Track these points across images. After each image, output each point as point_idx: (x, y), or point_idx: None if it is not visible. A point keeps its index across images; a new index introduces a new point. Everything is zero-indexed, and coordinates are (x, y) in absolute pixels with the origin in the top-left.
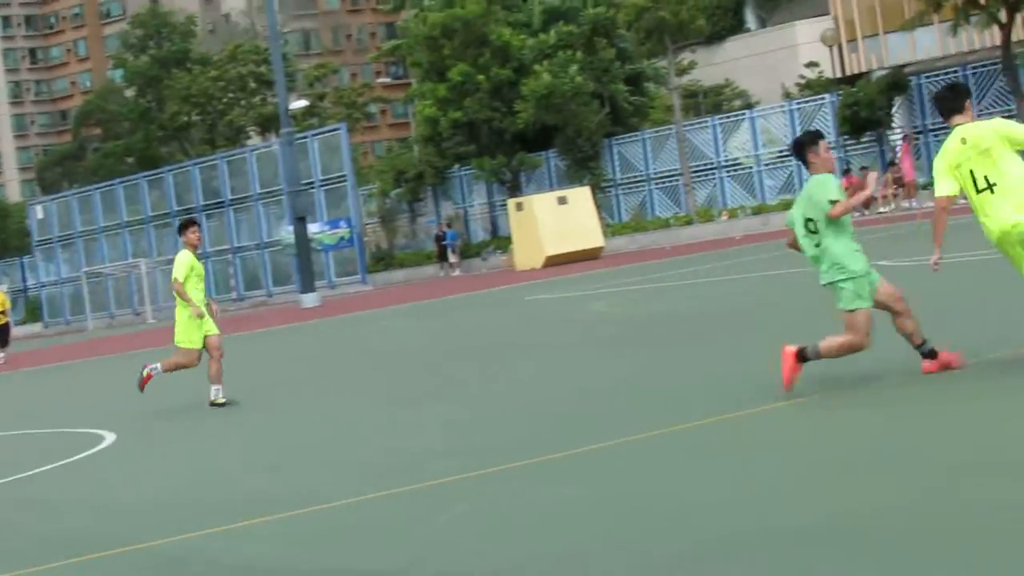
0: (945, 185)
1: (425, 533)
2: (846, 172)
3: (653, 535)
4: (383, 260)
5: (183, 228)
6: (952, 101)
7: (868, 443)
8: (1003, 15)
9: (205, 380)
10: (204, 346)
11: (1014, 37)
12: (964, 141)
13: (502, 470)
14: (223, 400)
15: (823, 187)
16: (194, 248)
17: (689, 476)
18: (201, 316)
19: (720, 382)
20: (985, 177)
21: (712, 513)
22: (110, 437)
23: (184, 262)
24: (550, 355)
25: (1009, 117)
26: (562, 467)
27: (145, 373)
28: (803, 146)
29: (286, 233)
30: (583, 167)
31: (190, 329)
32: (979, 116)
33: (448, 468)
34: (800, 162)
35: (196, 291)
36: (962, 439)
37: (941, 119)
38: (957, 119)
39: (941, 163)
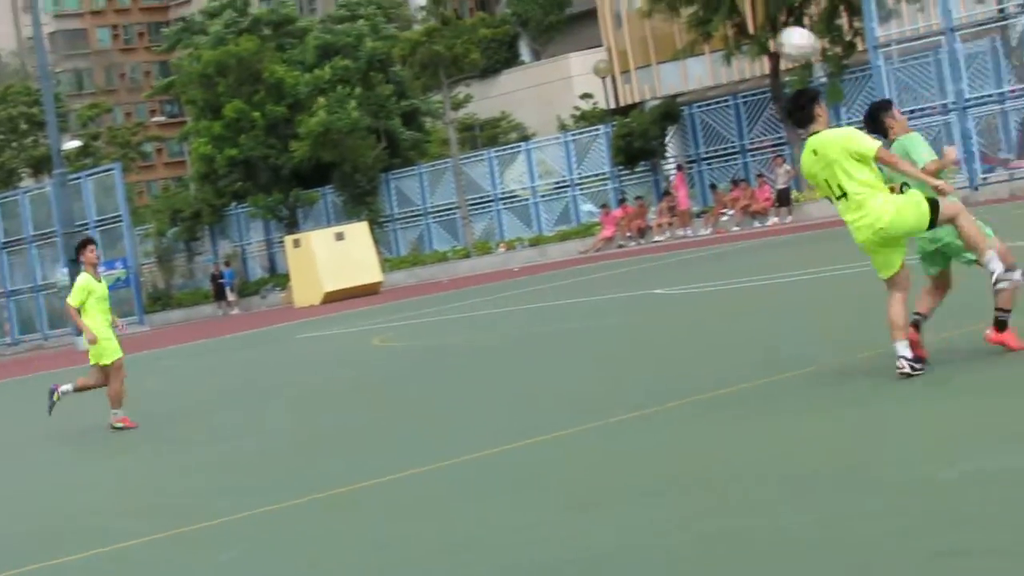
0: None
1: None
2: (621, 202)
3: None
4: (160, 300)
5: (78, 249)
6: (801, 112)
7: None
8: (771, 45)
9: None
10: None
11: (782, 65)
12: (815, 152)
13: (264, 512)
14: (120, 424)
15: (919, 145)
16: (93, 268)
17: (460, 512)
18: (94, 342)
19: (488, 416)
20: (839, 185)
21: (489, 547)
22: None
23: (80, 286)
24: (309, 394)
25: (779, 145)
26: (312, 510)
27: (58, 393)
28: (879, 111)
29: (61, 275)
30: (360, 202)
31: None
32: (751, 143)
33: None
34: (876, 132)
35: (100, 313)
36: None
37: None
38: (811, 127)
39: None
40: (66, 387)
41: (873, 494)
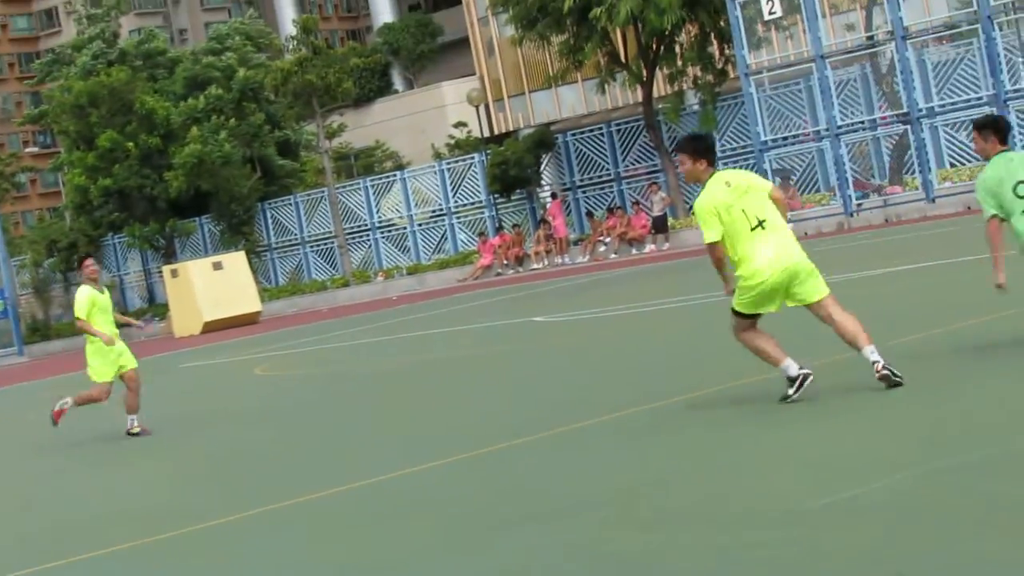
0: (713, 232)
1: None
2: (498, 230)
3: None
4: (39, 331)
5: (79, 265)
6: (706, 153)
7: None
8: (644, 73)
9: None
10: (120, 379)
11: (655, 93)
12: (728, 184)
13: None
14: (138, 429)
15: None
16: (93, 282)
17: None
18: (111, 343)
19: (375, 444)
20: (756, 216)
21: None
22: None
23: (83, 299)
24: (196, 423)
25: (654, 172)
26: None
27: (58, 407)
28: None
29: None
30: (237, 232)
31: (102, 364)
32: (626, 171)
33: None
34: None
35: (104, 324)
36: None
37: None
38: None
39: (707, 209)
40: (65, 400)
41: (752, 525)
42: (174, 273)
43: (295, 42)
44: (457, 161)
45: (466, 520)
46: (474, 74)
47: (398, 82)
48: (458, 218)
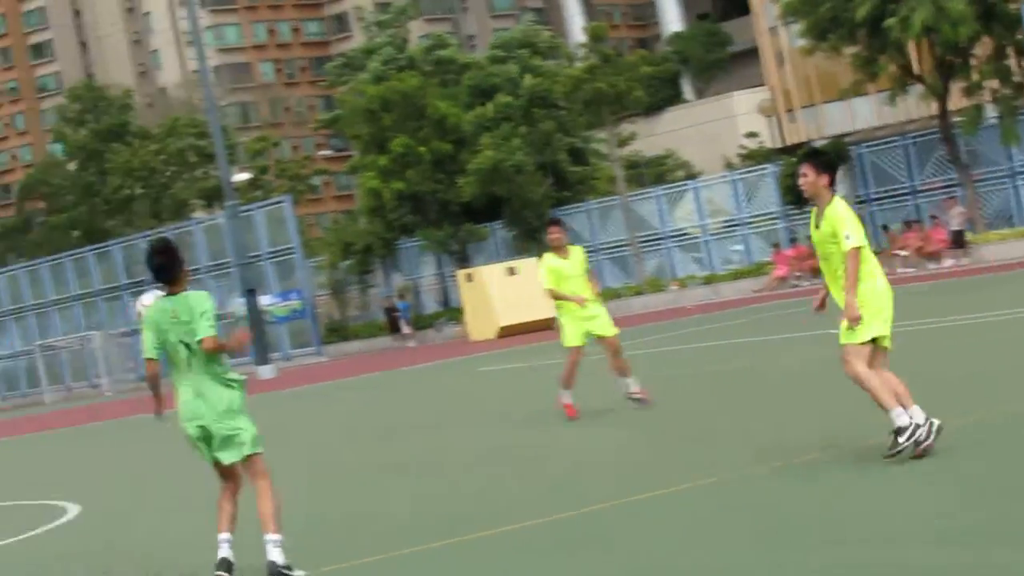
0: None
1: None
2: (792, 242)
3: None
4: (337, 331)
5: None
6: (828, 169)
7: None
8: (939, 85)
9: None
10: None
11: (951, 106)
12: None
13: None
14: (639, 393)
15: None
16: (556, 249)
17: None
18: (583, 303)
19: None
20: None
21: None
22: (74, 509)
23: (543, 271)
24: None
25: (951, 186)
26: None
27: (564, 402)
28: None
29: (237, 305)
30: (530, 238)
31: (572, 328)
32: (923, 187)
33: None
34: None
35: (573, 290)
36: None
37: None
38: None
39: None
40: (563, 393)
41: None
42: (469, 277)
43: (585, 50)
44: (750, 172)
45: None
46: (764, 84)
47: (688, 91)
48: (751, 228)
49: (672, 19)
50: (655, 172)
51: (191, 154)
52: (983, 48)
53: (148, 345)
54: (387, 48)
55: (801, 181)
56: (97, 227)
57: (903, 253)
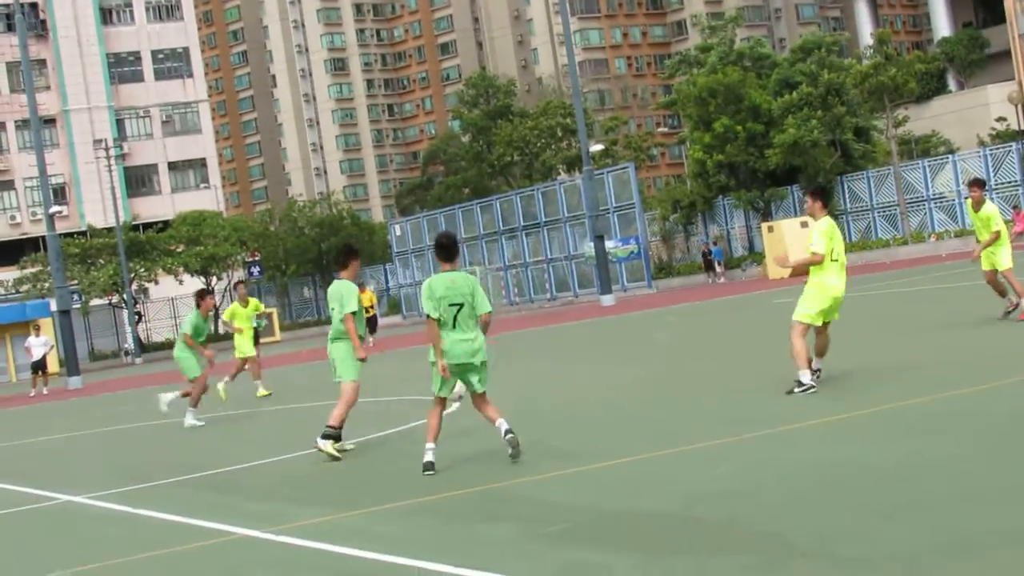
0: (823, 246)
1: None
2: (1015, 208)
3: None
4: (664, 270)
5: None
6: (823, 197)
7: None
8: None
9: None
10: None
11: None
12: (835, 227)
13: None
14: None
15: None
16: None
17: None
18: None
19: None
20: (840, 253)
21: None
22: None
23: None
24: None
25: None
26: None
27: None
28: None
29: (588, 248)
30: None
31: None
32: None
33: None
34: None
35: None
36: None
37: None
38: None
39: (829, 229)
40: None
41: None
42: (770, 229)
43: (872, 50)
44: (998, 148)
45: None
46: (1014, 79)
47: (951, 84)
48: (997, 193)
49: (942, 26)
50: (922, 148)
51: (558, 130)
52: None
53: (430, 307)
54: (720, 47)
55: (807, 207)
56: (483, 186)
57: None
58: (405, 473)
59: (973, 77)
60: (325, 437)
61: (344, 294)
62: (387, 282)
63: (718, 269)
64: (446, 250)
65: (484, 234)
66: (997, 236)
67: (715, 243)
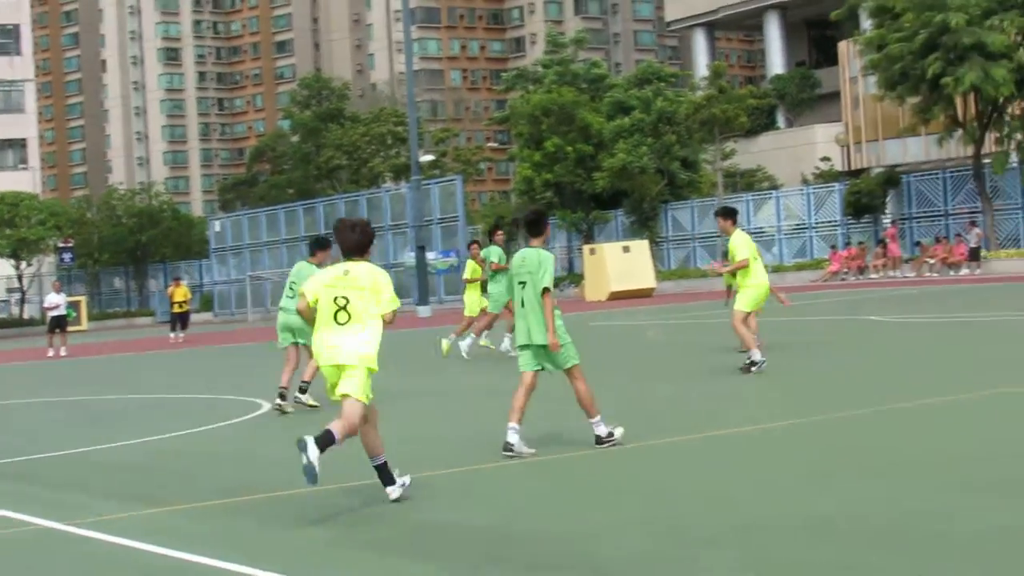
0: (747, 252)
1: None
2: (847, 245)
3: None
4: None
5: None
6: (733, 216)
7: None
8: (977, 133)
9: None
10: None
11: (984, 150)
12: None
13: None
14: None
15: None
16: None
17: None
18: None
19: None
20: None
21: None
22: (266, 406)
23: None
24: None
25: (974, 212)
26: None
27: None
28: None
29: (409, 257)
30: (644, 225)
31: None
32: (953, 211)
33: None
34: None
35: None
36: None
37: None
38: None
39: (748, 241)
40: None
41: None
42: (592, 251)
43: (706, 82)
44: (820, 188)
45: None
46: (841, 120)
47: (781, 121)
48: (816, 232)
49: (776, 63)
50: (747, 182)
51: (389, 137)
52: (1017, 107)
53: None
54: (559, 67)
55: (719, 225)
56: (308, 188)
57: (931, 261)
58: (224, 471)
59: (802, 116)
60: (301, 391)
61: (304, 276)
62: (201, 278)
63: None
64: (534, 225)
65: (305, 237)
66: (744, 265)
67: None
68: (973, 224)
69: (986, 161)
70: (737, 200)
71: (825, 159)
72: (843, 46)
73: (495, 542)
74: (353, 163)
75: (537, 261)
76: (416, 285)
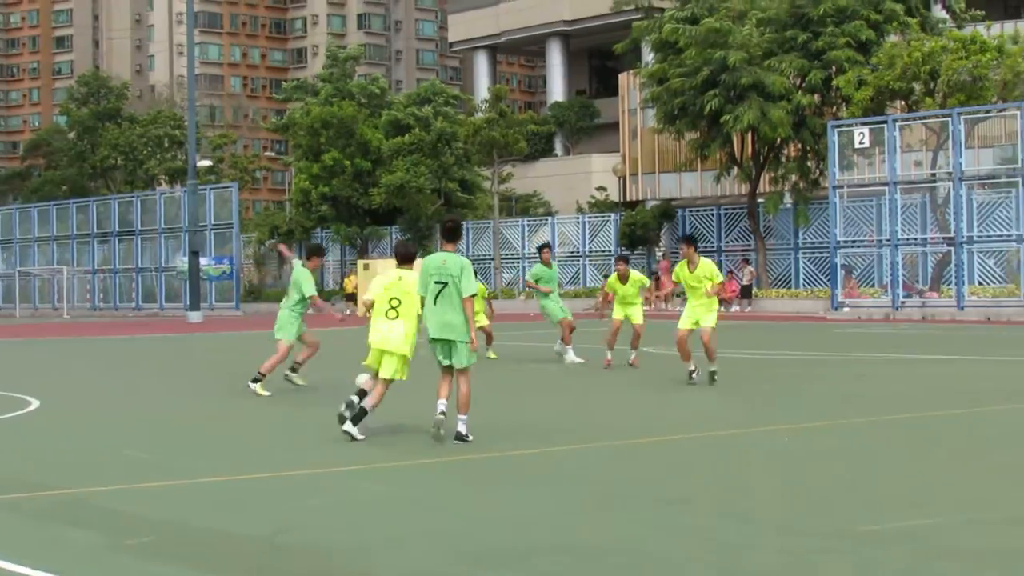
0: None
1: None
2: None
3: None
4: (253, 293)
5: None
6: (694, 243)
7: None
8: (753, 172)
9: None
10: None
11: (759, 189)
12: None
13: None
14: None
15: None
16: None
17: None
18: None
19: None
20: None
21: None
22: (35, 403)
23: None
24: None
25: (747, 251)
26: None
27: None
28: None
29: (181, 262)
30: (419, 243)
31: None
32: (726, 248)
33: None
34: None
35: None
36: None
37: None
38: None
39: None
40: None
41: None
42: (366, 267)
43: (487, 104)
44: (596, 216)
45: None
46: (619, 151)
47: (559, 148)
48: (590, 260)
49: (557, 90)
50: (523, 206)
51: (166, 140)
52: (792, 148)
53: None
54: (337, 81)
55: (682, 252)
56: (82, 186)
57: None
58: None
59: (580, 144)
60: (254, 381)
61: (302, 280)
62: None
63: None
64: (453, 232)
65: (77, 235)
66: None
67: None
68: (746, 262)
69: (761, 200)
70: (513, 224)
71: (601, 188)
72: (624, 77)
73: (265, 553)
74: (129, 164)
75: (459, 266)
76: (186, 290)
